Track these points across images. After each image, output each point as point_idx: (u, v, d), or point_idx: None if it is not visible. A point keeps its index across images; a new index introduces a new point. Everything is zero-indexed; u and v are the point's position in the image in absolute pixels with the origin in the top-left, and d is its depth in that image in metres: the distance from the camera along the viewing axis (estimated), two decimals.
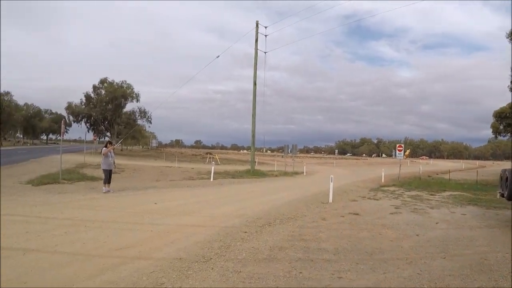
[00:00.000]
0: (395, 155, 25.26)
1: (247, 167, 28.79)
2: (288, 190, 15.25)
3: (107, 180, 12.19)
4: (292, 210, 9.63)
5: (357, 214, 9.37)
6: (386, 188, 17.14)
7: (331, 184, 12.06)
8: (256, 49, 24.77)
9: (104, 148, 12.52)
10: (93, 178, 15.41)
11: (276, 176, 24.10)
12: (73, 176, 16.11)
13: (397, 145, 25.06)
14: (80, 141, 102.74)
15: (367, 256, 5.51)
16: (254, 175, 22.80)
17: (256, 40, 24.76)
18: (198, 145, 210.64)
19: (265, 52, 25.36)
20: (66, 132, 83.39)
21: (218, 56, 23.26)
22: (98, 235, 6.23)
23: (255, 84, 24.86)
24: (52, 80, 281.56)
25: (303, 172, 27.89)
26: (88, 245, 5.58)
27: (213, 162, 21.84)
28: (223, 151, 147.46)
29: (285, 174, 26.10)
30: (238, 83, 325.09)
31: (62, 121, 16.02)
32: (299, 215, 8.98)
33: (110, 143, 13.11)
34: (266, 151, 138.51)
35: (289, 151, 31.41)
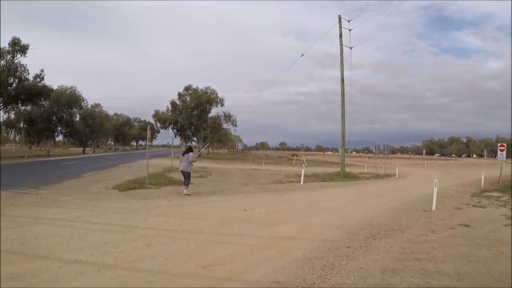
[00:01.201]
0: (486, 155, 22.28)
1: (335, 169, 29.34)
2: (384, 195, 14.44)
3: (188, 182, 12.92)
4: (394, 220, 8.93)
5: (468, 225, 8.40)
6: (489, 194, 15.30)
7: (435, 190, 11.05)
8: (341, 45, 24.54)
9: (191, 153, 13.22)
10: (179, 183, 15.54)
11: (368, 179, 23.48)
12: (160, 180, 16.58)
13: (499, 144, 22.63)
14: (167, 146, 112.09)
15: (494, 284, 4.65)
16: (345, 178, 22.49)
17: (340, 35, 24.53)
18: (283, 147, 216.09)
19: (350, 48, 25.13)
20: (154, 138, 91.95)
21: (302, 55, 24.42)
22: (182, 248, 5.77)
23: (342, 81, 24.56)
24: (139, 91, 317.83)
25: (395, 175, 26.95)
26: (171, 261, 5.10)
27: (303, 165, 21.26)
28: (308, 152, 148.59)
29: (377, 176, 25.55)
30: (320, 84, 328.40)
31: (149, 127, 16.82)
32: (404, 225, 8.22)
33: (190, 148, 13.90)
34: (351, 152, 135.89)
35: (380, 151, 31.16)
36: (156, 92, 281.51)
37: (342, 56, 24.43)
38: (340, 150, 26.59)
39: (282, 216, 8.91)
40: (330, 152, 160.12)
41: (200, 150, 37.65)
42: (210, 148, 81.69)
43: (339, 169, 25.60)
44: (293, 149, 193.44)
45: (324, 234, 7.05)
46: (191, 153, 13.17)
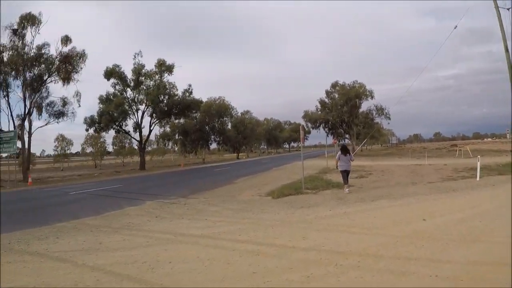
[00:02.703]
0: None
1: (505, 158, 26.53)
2: None
3: (346, 180, 13.34)
4: None
5: None
6: None
7: None
8: (497, 7, 20.92)
9: (352, 155, 13.75)
10: (339, 186, 14.30)
11: None
12: (317, 183, 15.62)
13: None
14: (320, 146, 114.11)
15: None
16: None
17: None
18: (437, 137, 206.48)
19: (508, 9, 20.92)
20: (306, 138, 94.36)
21: (456, 27, 22.00)
22: (355, 283, 4.29)
23: (507, 50, 20.68)
24: (286, 95, 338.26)
25: None
26: None
27: (478, 157, 18.18)
28: (466, 141, 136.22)
29: None
30: (469, 64, 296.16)
31: (301, 127, 16.36)
32: None
33: (346, 147, 14.00)
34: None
35: None
36: (302, 94, 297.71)
37: (501, 20, 20.89)
38: (508, 135, 22.44)
39: (473, 227, 6.85)
40: (489, 139, 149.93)
41: (355, 149, 36.32)
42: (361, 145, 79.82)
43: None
44: (449, 139, 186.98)
45: None
46: (352, 156, 13.75)
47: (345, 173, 13.18)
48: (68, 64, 31.19)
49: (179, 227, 8.06)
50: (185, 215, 9.62)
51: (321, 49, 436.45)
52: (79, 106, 33.49)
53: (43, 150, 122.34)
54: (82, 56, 32.04)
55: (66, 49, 31.31)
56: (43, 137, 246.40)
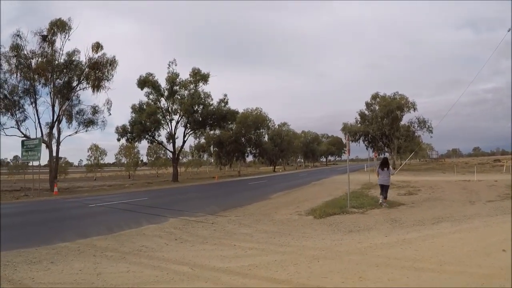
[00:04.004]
0: None
1: None
2: None
3: (383, 193, 13.49)
4: None
5: None
6: None
7: None
8: None
9: (391, 169, 14.17)
10: (391, 204, 12.89)
11: None
12: (363, 201, 14.15)
13: None
14: (357, 160, 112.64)
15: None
16: None
17: None
18: (476, 152, 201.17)
19: None
20: (343, 152, 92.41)
21: (509, 30, 19.58)
22: None
23: None
24: (324, 109, 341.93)
25: None
26: None
27: None
28: (506, 156, 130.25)
29: None
30: (508, 76, 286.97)
31: (347, 137, 15.36)
32: None
33: (387, 161, 14.36)
34: None
35: None
36: (339, 108, 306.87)
37: None
38: None
39: None
40: None
41: (395, 164, 34.73)
42: (400, 159, 77.29)
43: None
44: (488, 154, 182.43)
45: None
46: (390, 167, 14.02)
47: (383, 188, 13.43)
48: (98, 71, 30.65)
49: (201, 255, 6.63)
50: (210, 238, 8.21)
51: (359, 63, 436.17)
52: (110, 114, 32.79)
53: (80, 159, 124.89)
54: (112, 63, 31.34)
55: (96, 56, 30.81)
56: (81, 147, 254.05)
